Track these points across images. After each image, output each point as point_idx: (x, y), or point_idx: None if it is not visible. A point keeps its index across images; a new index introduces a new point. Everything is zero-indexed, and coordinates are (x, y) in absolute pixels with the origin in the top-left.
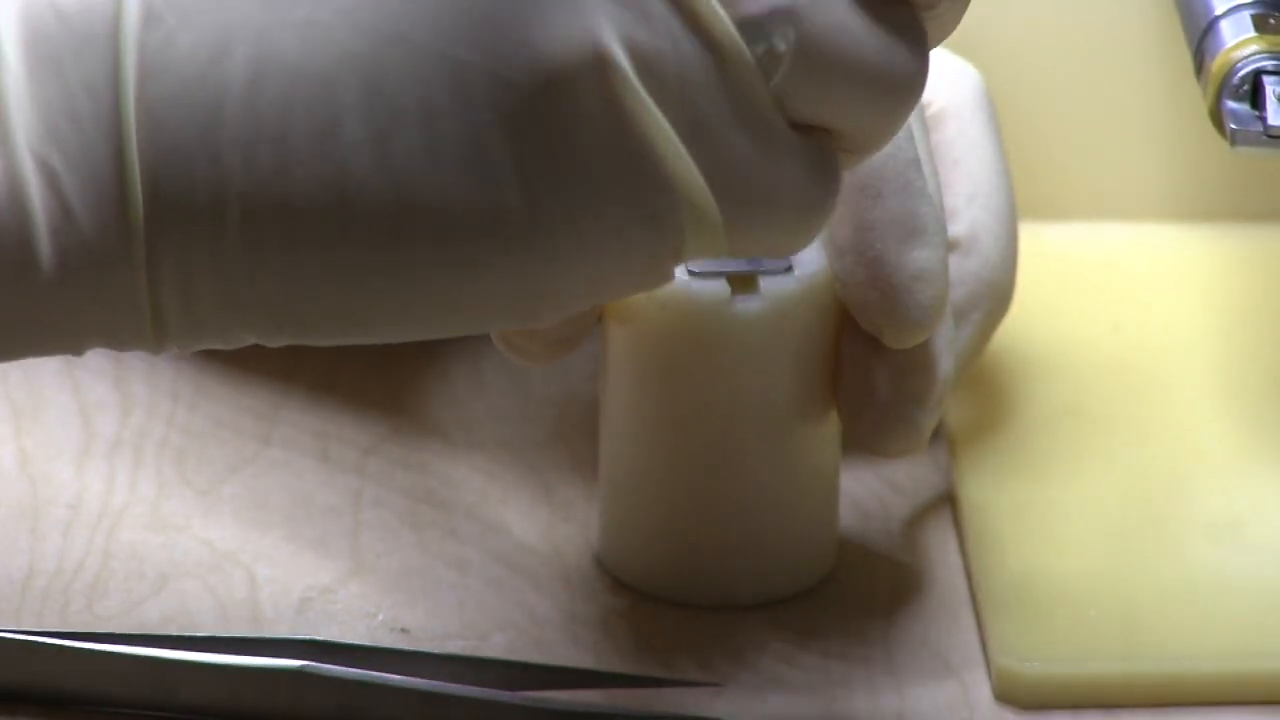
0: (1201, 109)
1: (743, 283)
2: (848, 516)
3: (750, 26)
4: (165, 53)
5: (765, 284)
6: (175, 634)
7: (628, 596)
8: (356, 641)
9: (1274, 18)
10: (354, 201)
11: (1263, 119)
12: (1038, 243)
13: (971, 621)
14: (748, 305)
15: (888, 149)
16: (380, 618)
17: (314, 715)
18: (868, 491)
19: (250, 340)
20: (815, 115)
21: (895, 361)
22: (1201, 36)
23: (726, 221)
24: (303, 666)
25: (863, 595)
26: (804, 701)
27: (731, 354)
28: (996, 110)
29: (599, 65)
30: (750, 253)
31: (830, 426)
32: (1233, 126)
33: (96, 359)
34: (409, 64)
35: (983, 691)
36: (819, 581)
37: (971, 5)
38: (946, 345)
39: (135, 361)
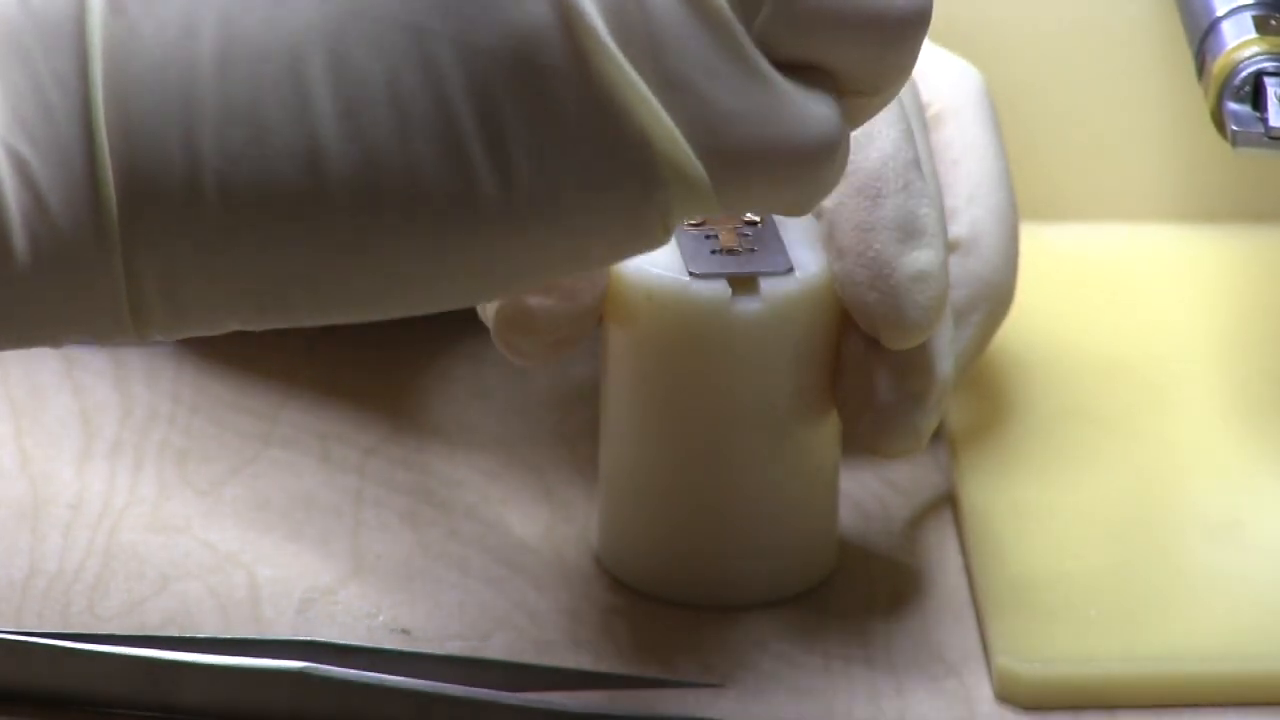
0: (1202, 110)
1: (743, 284)
2: (848, 517)
3: None
4: (131, 39)
5: (765, 285)
6: (176, 635)
7: (628, 597)
8: (357, 642)
9: (1275, 19)
10: (327, 175)
11: (1264, 120)
12: (1038, 243)
13: (972, 622)
14: (748, 306)
15: (888, 149)
16: (381, 618)
17: (314, 716)
18: (868, 492)
19: (235, 325)
20: (808, 54)
21: (895, 362)
22: (1203, 38)
23: (714, 178)
24: (303, 668)
25: (863, 596)
26: (804, 702)
27: (731, 355)
28: (997, 110)
29: (567, 23)
30: (752, 209)
31: (830, 427)
32: (1234, 128)
33: (97, 359)
34: (373, 36)
35: (983, 692)
36: (819, 582)
37: (972, 5)
38: (947, 346)
39: (136, 362)
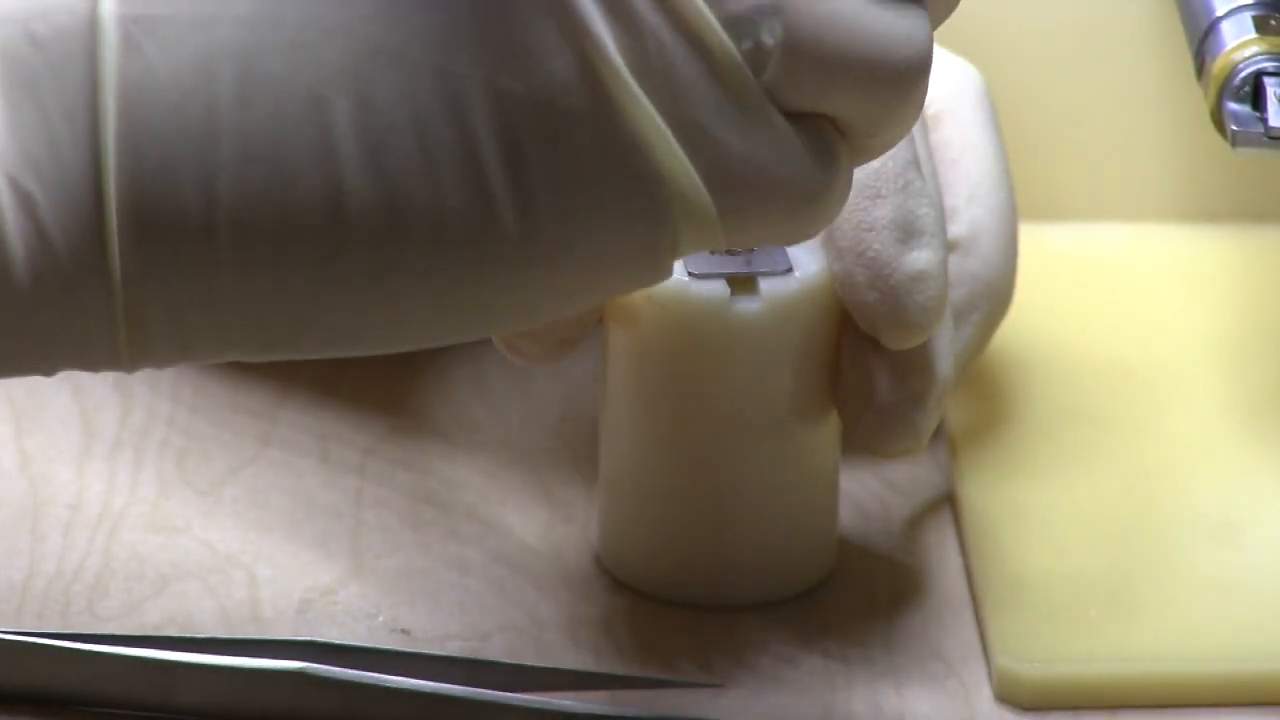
0: (1202, 110)
1: (742, 284)
2: (848, 517)
3: (737, 23)
4: (146, 80)
5: (765, 285)
6: (176, 635)
7: (628, 597)
8: (357, 643)
9: (1275, 19)
10: (349, 214)
11: (1264, 120)
12: (1038, 243)
13: (972, 622)
14: (747, 306)
15: (871, 161)
16: (380, 619)
17: (314, 716)
18: (868, 492)
19: (239, 358)
20: (813, 104)
21: (895, 362)
22: (1202, 38)
23: (721, 214)
24: (303, 668)
25: (863, 596)
26: (804, 702)
27: (731, 355)
28: (996, 110)
29: (591, 65)
30: (753, 243)
31: (830, 427)
32: (1234, 128)
33: None
34: (399, 78)
35: (983, 692)
36: (819, 582)
37: (972, 4)
38: (946, 346)
39: None
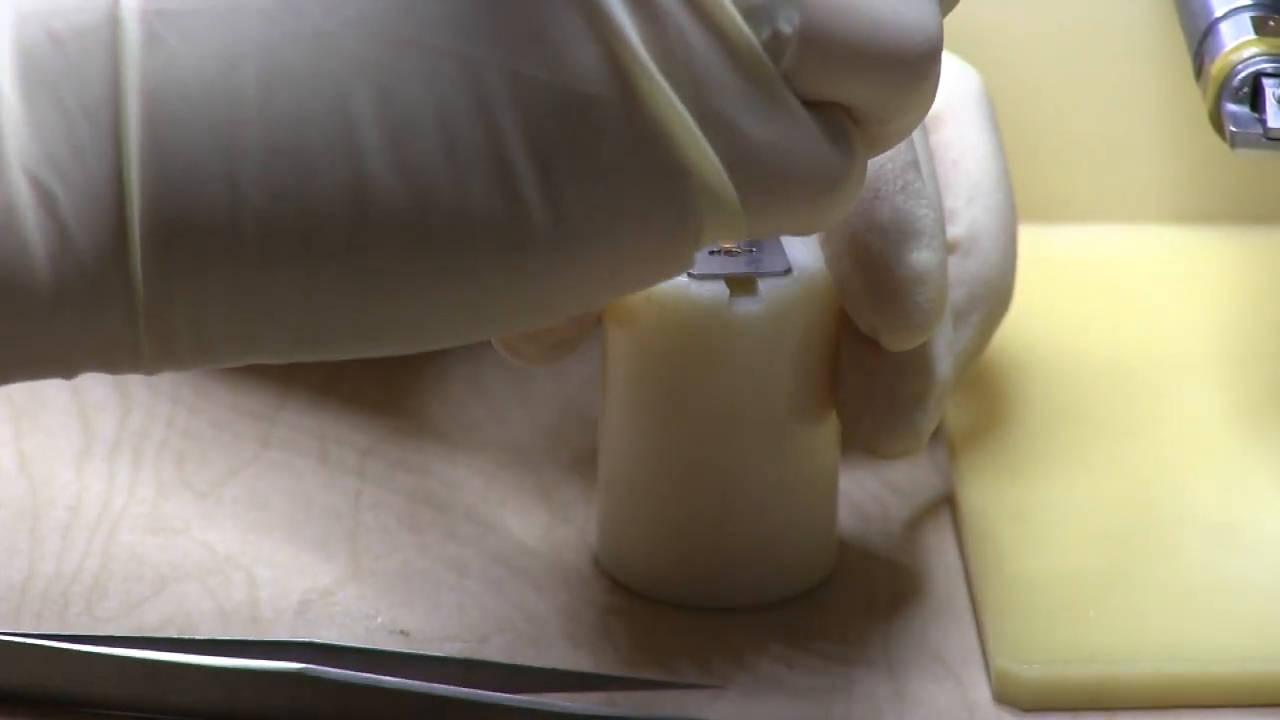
0: (1201, 111)
1: (742, 285)
2: (847, 518)
3: (755, 13)
4: (169, 74)
5: (764, 286)
6: (174, 636)
7: (627, 598)
8: (356, 644)
9: (1273, 20)
10: (375, 207)
11: (1262, 121)
12: (1037, 244)
13: (971, 623)
14: (747, 307)
15: (887, 150)
16: (379, 620)
17: (313, 717)
18: (867, 493)
19: (262, 359)
20: (829, 92)
21: (894, 363)
22: (1201, 39)
23: (744, 203)
24: (302, 669)
25: (862, 597)
26: (803, 704)
27: (730, 356)
28: (996, 111)
29: (616, 56)
30: (774, 233)
31: (829, 428)
32: (1232, 129)
33: None
34: (422, 67)
35: (982, 693)
36: (818, 583)
37: (972, 6)
38: (946, 347)
39: None
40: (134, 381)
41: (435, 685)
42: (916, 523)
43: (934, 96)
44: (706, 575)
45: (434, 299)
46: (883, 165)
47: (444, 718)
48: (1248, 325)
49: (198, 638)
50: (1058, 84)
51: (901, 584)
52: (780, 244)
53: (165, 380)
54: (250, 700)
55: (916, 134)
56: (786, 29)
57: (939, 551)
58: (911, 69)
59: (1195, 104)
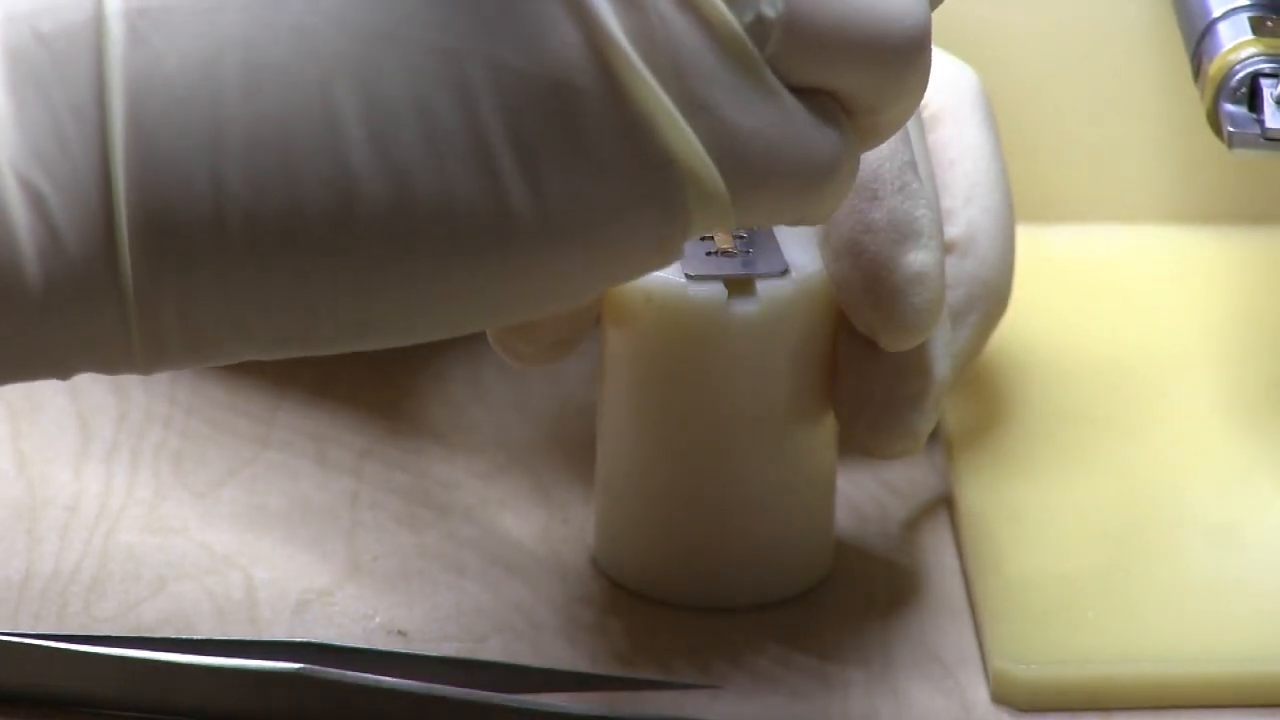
0: (1199, 111)
1: (739, 286)
2: (844, 519)
3: None
4: (154, 71)
5: (762, 287)
6: (172, 636)
7: (625, 598)
8: (353, 644)
9: (1271, 20)
10: (359, 201)
11: (1260, 121)
12: (1035, 245)
13: (968, 624)
14: (744, 308)
15: (884, 151)
16: (377, 620)
17: (311, 717)
18: (865, 494)
19: (252, 355)
20: (816, 79)
21: (892, 364)
22: (1199, 39)
23: (732, 192)
24: (300, 669)
25: (860, 598)
26: (801, 704)
27: (728, 357)
28: (994, 111)
29: (596, 45)
30: (765, 223)
31: (827, 429)
32: (1230, 129)
33: None
34: (403, 59)
35: (980, 694)
36: (816, 584)
37: (970, 5)
38: (943, 347)
39: None
40: (131, 382)
41: (433, 685)
42: (914, 523)
43: (925, 86)
44: (704, 575)
45: (420, 291)
46: (880, 166)
47: (442, 718)
48: (1245, 325)
49: (196, 638)
50: (1056, 84)
51: (899, 584)
52: (778, 245)
53: (163, 381)
54: (248, 700)
55: (914, 134)
56: (770, 13)
57: (937, 552)
58: (899, 54)
59: (1193, 104)
